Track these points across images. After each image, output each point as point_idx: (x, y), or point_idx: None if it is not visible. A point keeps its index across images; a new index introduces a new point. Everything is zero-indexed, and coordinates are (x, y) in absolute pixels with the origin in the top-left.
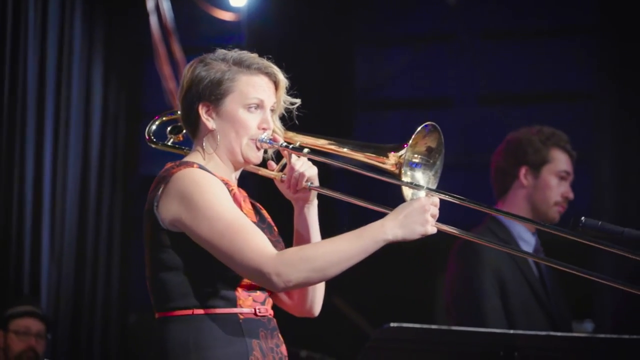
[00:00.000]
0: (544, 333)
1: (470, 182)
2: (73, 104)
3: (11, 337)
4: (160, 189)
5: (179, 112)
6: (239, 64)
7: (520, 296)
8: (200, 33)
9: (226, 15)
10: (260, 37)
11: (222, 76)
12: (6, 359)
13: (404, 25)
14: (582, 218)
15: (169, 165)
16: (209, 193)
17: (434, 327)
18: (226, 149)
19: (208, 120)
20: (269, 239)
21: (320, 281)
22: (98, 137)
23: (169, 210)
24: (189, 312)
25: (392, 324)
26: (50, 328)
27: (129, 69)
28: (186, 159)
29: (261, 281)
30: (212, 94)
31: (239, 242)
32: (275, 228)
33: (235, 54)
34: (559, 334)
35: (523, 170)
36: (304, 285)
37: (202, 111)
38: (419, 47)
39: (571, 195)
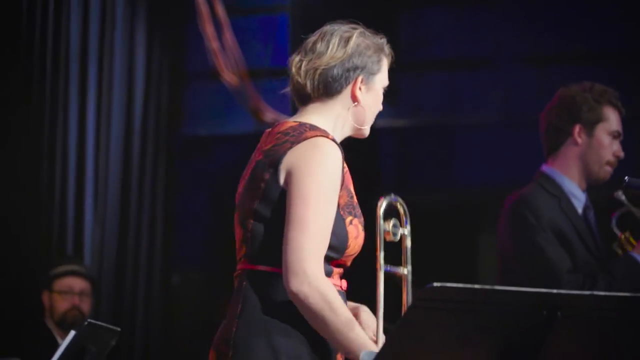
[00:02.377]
0: (587, 293)
1: (513, 142)
2: (116, 65)
3: (55, 296)
4: (289, 147)
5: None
6: (382, 48)
7: (578, 252)
8: None
9: None
10: None
11: (379, 55)
12: (52, 319)
13: None
14: (626, 178)
15: (294, 124)
16: (325, 184)
17: (476, 286)
18: (358, 122)
19: (359, 93)
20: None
21: (304, 315)
22: (141, 98)
23: (289, 170)
24: None
25: (434, 284)
26: (95, 287)
27: (172, 30)
28: (318, 124)
29: (289, 272)
30: (371, 69)
31: (308, 237)
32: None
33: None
34: (602, 293)
35: (577, 128)
36: (296, 303)
37: (358, 82)
38: (463, 7)
39: (622, 154)
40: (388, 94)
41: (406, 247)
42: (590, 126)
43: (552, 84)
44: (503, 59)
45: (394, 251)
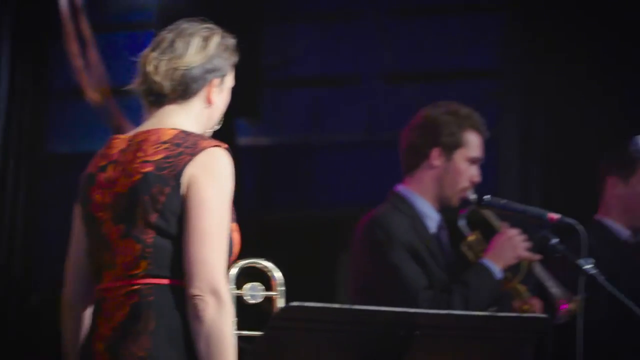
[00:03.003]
0: (444, 312)
1: (376, 159)
2: None
3: None
4: (189, 159)
5: None
6: (234, 48)
7: (432, 271)
8: (109, 10)
9: None
10: (169, 14)
11: (232, 56)
12: None
13: (312, 1)
14: (487, 197)
15: (176, 131)
16: (227, 196)
17: (335, 306)
18: (209, 124)
19: (214, 95)
20: None
21: (203, 329)
22: (4, 115)
23: (191, 183)
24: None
25: (293, 303)
26: None
27: (36, 47)
28: (191, 129)
29: (200, 289)
30: (225, 71)
31: (218, 253)
32: None
33: None
34: (459, 312)
35: (435, 152)
36: (200, 317)
37: (214, 84)
38: (327, 24)
39: (478, 179)
40: (249, 111)
41: (276, 309)
42: (449, 150)
43: (415, 103)
44: (366, 77)
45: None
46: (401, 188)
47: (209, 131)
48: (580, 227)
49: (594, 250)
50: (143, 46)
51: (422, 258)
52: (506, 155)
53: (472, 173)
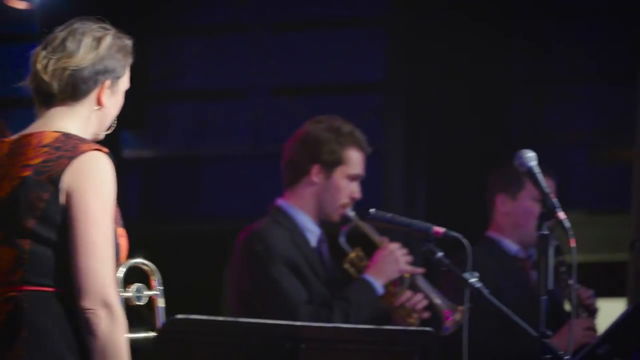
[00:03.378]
0: (330, 325)
1: (261, 173)
2: None
3: None
4: (67, 163)
5: None
6: (130, 50)
7: (313, 285)
8: None
9: (19, 4)
10: (53, 27)
11: (127, 58)
12: None
13: (197, 15)
14: (372, 210)
15: (58, 134)
16: (109, 203)
17: (220, 318)
18: (100, 127)
19: (105, 97)
20: None
21: (98, 341)
22: None
23: (70, 189)
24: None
25: (178, 316)
26: None
27: None
28: (76, 132)
29: (89, 300)
30: (118, 72)
31: (104, 263)
32: None
33: None
34: (345, 325)
35: (315, 168)
36: (92, 329)
37: (105, 85)
38: (212, 37)
39: (358, 195)
40: (134, 123)
41: (158, 308)
42: (329, 168)
43: (300, 116)
44: (251, 90)
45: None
46: (281, 202)
47: (101, 135)
48: (465, 241)
49: (482, 264)
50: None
51: (302, 272)
52: (390, 168)
53: (352, 190)
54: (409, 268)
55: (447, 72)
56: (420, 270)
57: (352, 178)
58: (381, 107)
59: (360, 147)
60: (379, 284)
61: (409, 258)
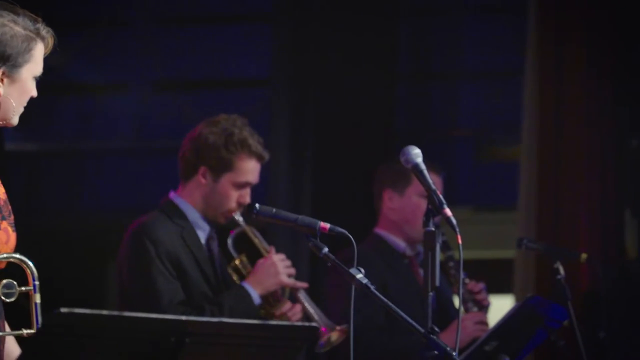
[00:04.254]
0: (215, 320)
1: (143, 166)
2: None
3: None
4: None
5: None
6: (36, 34)
7: (195, 282)
8: None
9: None
10: None
11: (30, 43)
12: None
13: (82, 9)
14: (257, 205)
15: None
16: None
17: (104, 312)
18: (2, 115)
19: (1, 86)
20: None
21: None
22: None
23: None
24: None
25: (61, 309)
26: None
27: None
28: None
29: None
30: (16, 61)
31: None
32: None
33: None
34: (230, 320)
35: (202, 170)
36: None
37: None
38: (95, 32)
39: (246, 201)
40: (21, 118)
41: (34, 304)
42: (216, 173)
43: (186, 111)
44: (135, 84)
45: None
46: (174, 196)
47: (12, 121)
48: (351, 237)
49: (369, 261)
50: None
51: (186, 270)
52: (277, 163)
53: (240, 195)
54: (290, 281)
55: (333, 67)
56: (302, 284)
57: (240, 185)
58: (266, 103)
59: (253, 155)
60: (256, 294)
61: (292, 271)
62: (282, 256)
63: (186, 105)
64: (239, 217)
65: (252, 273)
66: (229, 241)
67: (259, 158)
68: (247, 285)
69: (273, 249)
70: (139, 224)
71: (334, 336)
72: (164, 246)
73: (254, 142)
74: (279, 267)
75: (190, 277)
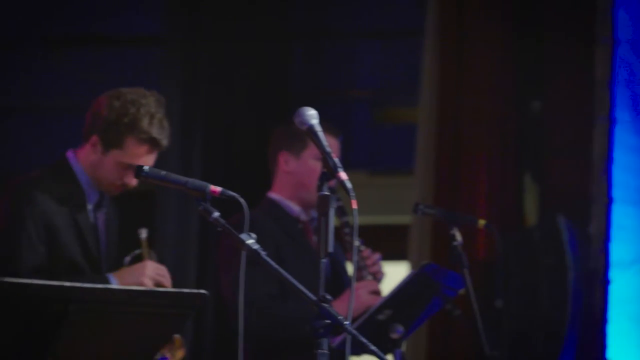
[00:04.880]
0: (101, 286)
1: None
2: None
3: None
4: None
5: None
6: None
7: (71, 248)
8: None
9: None
10: None
11: None
12: None
13: None
14: (145, 167)
15: None
16: None
17: None
18: None
19: None
20: None
21: None
22: None
23: None
24: None
25: None
26: None
27: None
28: None
29: None
30: None
31: None
32: None
33: None
34: (117, 287)
35: (94, 139)
36: None
37: None
38: None
39: (133, 182)
40: None
41: None
42: (105, 146)
43: (73, 68)
44: (27, 40)
45: None
46: (71, 155)
47: None
48: (242, 201)
49: (261, 226)
50: None
51: (58, 234)
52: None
53: (126, 174)
54: (150, 284)
55: (226, 27)
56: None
57: (127, 166)
58: (157, 61)
59: (143, 141)
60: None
61: (161, 279)
62: (155, 264)
63: (76, 62)
64: (143, 235)
65: (123, 269)
66: (126, 259)
67: (152, 145)
68: (110, 276)
69: (154, 256)
70: (20, 180)
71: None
72: (40, 207)
73: (148, 127)
74: (147, 269)
75: (61, 244)
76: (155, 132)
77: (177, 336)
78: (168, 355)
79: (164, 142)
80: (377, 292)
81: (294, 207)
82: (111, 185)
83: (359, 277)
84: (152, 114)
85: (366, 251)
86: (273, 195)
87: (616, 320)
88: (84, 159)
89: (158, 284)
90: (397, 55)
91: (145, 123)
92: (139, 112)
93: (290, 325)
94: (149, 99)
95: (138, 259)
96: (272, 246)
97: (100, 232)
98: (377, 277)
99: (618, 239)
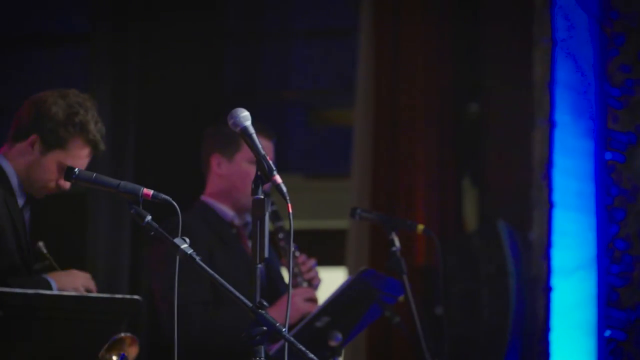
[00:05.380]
0: (31, 291)
1: None
2: None
3: None
4: None
5: None
6: None
7: (9, 251)
8: None
9: None
10: None
11: None
12: None
13: None
14: (76, 169)
15: None
16: None
17: None
18: None
19: None
20: None
21: None
22: None
23: None
24: None
25: None
26: None
27: None
28: None
29: None
30: None
31: None
32: None
33: None
34: (48, 292)
35: (33, 138)
36: None
37: None
38: None
39: (66, 186)
40: None
41: None
42: (46, 146)
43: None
44: None
45: None
46: (1, 156)
47: None
48: (175, 205)
49: (194, 230)
50: None
51: (5, 235)
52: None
53: (61, 176)
54: (81, 289)
55: (160, 26)
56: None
57: (62, 167)
58: (86, 60)
59: (88, 143)
60: (55, 285)
61: (92, 286)
62: (84, 275)
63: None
64: (43, 249)
65: (58, 272)
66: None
67: (94, 148)
68: (49, 278)
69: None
70: None
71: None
72: None
73: (94, 129)
74: (79, 275)
75: (4, 244)
76: (99, 135)
77: (126, 334)
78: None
79: (102, 146)
80: (313, 299)
81: (228, 211)
82: (44, 187)
83: (295, 283)
84: (97, 117)
85: (301, 257)
86: (205, 198)
87: (559, 329)
88: (15, 159)
89: (88, 290)
90: (331, 55)
91: (92, 126)
92: (88, 114)
93: (224, 332)
94: (91, 101)
95: (50, 268)
96: (205, 251)
97: (27, 234)
98: (313, 283)
99: (560, 245)
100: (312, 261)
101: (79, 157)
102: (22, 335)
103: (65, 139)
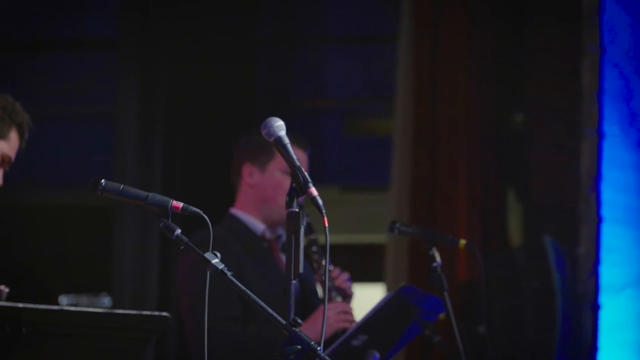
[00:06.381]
0: (55, 307)
1: None
2: None
3: None
4: None
5: None
6: None
7: None
8: None
9: None
10: None
11: None
12: None
13: None
14: (102, 181)
15: None
16: None
17: None
18: None
19: None
20: None
21: None
22: None
23: None
24: None
25: None
26: None
27: None
28: None
29: None
30: None
31: None
32: None
33: None
34: (73, 309)
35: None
36: None
37: None
38: None
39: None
40: None
41: None
42: None
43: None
44: None
45: None
46: None
47: None
48: (206, 217)
49: (224, 244)
50: None
51: None
52: (123, 135)
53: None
54: None
55: (189, 31)
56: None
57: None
58: (114, 67)
59: (21, 135)
60: None
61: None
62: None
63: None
64: None
65: None
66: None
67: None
68: None
69: None
70: None
71: None
72: None
73: (20, 116)
74: None
75: None
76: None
77: None
78: None
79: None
80: (346, 313)
81: (258, 225)
82: None
83: (329, 298)
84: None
85: (335, 270)
86: (235, 211)
87: (607, 348)
88: None
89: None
90: (369, 63)
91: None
92: (16, 105)
93: (255, 350)
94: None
95: None
96: (235, 266)
97: None
98: (347, 293)
99: (608, 261)
100: (346, 274)
101: (15, 149)
102: (45, 353)
103: (8, 129)
